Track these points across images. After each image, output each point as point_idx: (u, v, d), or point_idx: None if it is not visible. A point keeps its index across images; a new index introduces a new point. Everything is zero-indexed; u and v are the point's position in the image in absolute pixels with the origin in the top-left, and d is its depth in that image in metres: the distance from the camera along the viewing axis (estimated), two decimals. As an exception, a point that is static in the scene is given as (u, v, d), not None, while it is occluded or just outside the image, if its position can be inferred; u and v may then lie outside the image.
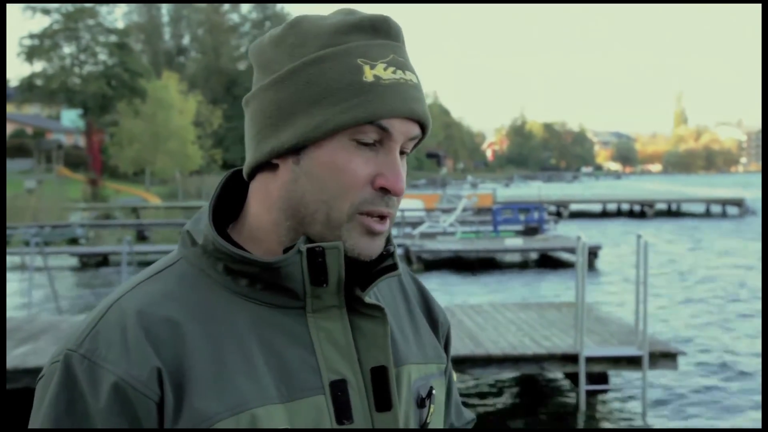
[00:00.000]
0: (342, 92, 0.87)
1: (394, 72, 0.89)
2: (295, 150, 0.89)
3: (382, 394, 0.91)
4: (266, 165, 0.92)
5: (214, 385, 0.85)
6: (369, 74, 0.88)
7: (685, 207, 39.67)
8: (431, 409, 0.98)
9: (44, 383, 0.87)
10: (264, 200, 0.93)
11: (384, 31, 0.91)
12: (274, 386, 0.87)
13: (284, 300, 0.90)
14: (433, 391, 0.99)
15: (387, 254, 0.94)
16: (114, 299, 0.90)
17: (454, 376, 1.15)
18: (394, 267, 0.94)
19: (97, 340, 0.86)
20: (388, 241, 0.95)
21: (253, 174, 0.94)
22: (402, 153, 0.92)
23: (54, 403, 0.85)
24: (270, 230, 0.92)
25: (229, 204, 0.98)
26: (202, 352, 0.86)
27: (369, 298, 0.93)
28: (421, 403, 0.97)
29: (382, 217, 0.91)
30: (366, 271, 0.94)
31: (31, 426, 0.87)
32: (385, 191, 0.89)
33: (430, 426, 0.98)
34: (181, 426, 0.84)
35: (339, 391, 0.89)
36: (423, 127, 0.92)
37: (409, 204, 25.83)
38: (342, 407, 0.89)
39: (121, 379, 0.83)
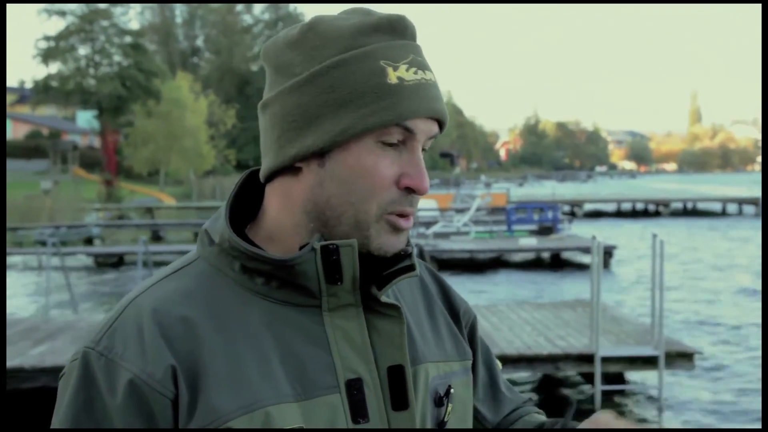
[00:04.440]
0: (368, 95, 0.88)
1: (415, 72, 0.90)
2: (320, 153, 0.89)
3: (398, 394, 0.91)
4: (288, 168, 0.92)
5: (228, 383, 0.85)
6: (393, 76, 0.89)
7: (701, 206, 39.42)
8: (449, 408, 0.97)
9: (65, 380, 0.89)
10: (285, 203, 0.93)
11: (401, 31, 0.91)
12: (289, 385, 0.87)
13: (300, 298, 0.90)
14: (452, 390, 0.98)
15: (405, 255, 0.95)
16: (132, 297, 0.91)
17: (498, 364, 1.15)
18: (411, 268, 0.94)
19: (114, 338, 0.87)
20: (407, 242, 0.96)
21: (271, 177, 0.94)
22: (423, 151, 0.94)
23: (73, 399, 0.86)
24: (291, 232, 0.92)
25: (246, 204, 0.98)
26: (216, 351, 0.86)
27: (386, 297, 0.93)
28: (439, 401, 0.97)
29: (405, 216, 0.92)
30: (382, 269, 0.94)
31: (53, 422, 0.89)
32: (409, 191, 0.91)
33: (449, 425, 0.97)
34: (195, 423, 0.84)
35: (355, 389, 0.89)
36: (441, 125, 0.94)
37: (423, 204, 25.77)
38: (357, 406, 0.88)
39: (136, 376, 0.84)
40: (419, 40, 0.95)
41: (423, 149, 0.94)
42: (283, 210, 0.93)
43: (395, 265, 0.95)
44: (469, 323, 1.10)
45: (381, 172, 0.89)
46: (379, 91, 0.88)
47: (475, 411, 1.08)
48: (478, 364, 1.11)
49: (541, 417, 1.14)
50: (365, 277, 0.92)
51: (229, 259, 0.91)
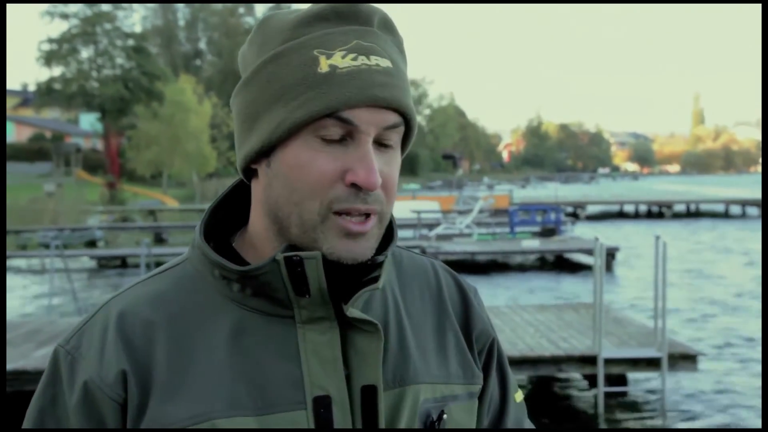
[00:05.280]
0: (297, 87, 0.82)
1: (354, 59, 0.82)
2: (265, 153, 0.85)
3: (371, 415, 0.86)
4: (250, 171, 0.89)
5: (180, 392, 0.83)
6: (324, 65, 0.82)
7: (704, 208, 39.31)
8: None
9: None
10: (255, 207, 0.91)
11: (350, 17, 0.84)
12: (249, 397, 0.83)
13: (274, 308, 0.86)
14: (444, 416, 0.91)
15: (374, 264, 0.87)
16: (109, 299, 0.91)
17: (516, 396, 1.05)
18: (376, 279, 0.87)
19: (83, 338, 0.88)
20: (384, 249, 0.89)
21: (249, 180, 0.92)
22: (386, 146, 0.85)
23: (41, 394, 0.89)
24: (264, 237, 0.89)
25: (243, 208, 0.96)
26: (173, 358, 0.85)
27: (354, 310, 0.86)
28: (431, 426, 0.90)
29: (366, 216, 0.84)
30: (355, 282, 0.88)
31: (26, 416, 0.91)
32: (358, 188, 0.83)
33: None
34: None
35: (322, 407, 0.84)
36: (403, 115, 0.85)
37: (425, 206, 25.82)
38: (323, 425, 0.84)
39: (91, 379, 0.84)
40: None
41: (387, 144, 0.85)
42: (256, 214, 0.91)
43: (367, 275, 0.88)
44: (486, 347, 1.01)
45: (319, 168, 0.82)
46: (307, 81, 0.82)
47: None
48: (489, 390, 1.01)
49: None
50: (341, 289, 0.87)
51: (210, 264, 0.88)
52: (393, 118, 0.84)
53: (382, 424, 0.86)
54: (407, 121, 0.87)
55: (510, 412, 1.02)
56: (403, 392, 0.89)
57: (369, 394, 0.86)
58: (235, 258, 0.90)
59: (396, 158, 0.87)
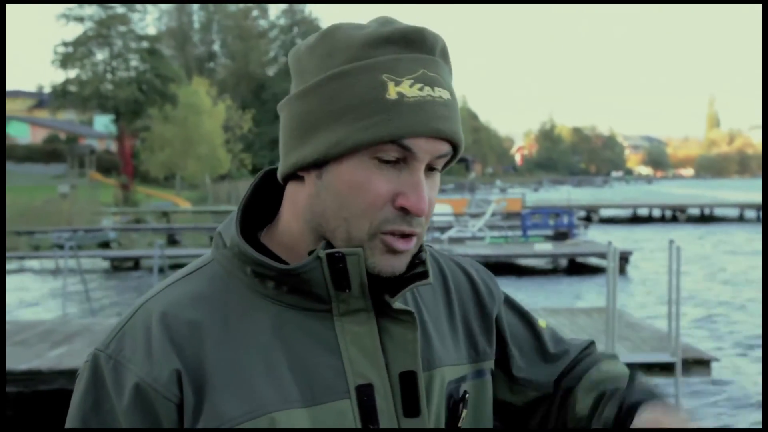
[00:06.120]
0: (364, 109, 0.85)
1: (420, 89, 0.86)
2: (318, 165, 0.88)
3: (410, 400, 0.90)
4: (294, 175, 0.92)
5: (233, 388, 0.85)
6: (393, 91, 0.85)
7: (719, 212, 39.06)
8: (464, 413, 0.96)
9: (77, 383, 0.90)
10: (292, 209, 0.93)
11: (417, 44, 0.88)
12: (297, 390, 0.86)
13: (311, 303, 0.90)
14: (467, 395, 0.97)
15: (418, 261, 0.93)
16: (143, 301, 0.92)
17: (542, 323, 1.15)
18: (425, 275, 0.92)
19: (124, 341, 0.88)
20: (421, 248, 0.94)
21: (285, 180, 0.94)
22: (432, 169, 0.90)
23: (82, 401, 0.88)
24: (298, 238, 0.92)
25: (265, 205, 0.98)
26: (223, 355, 0.86)
27: (399, 302, 0.92)
28: (454, 406, 0.96)
29: (405, 236, 0.88)
30: (395, 275, 0.92)
31: (66, 423, 0.90)
32: (406, 211, 0.87)
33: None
34: (200, 428, 0.84)
35: (365, 395, 0.88)
36: (454, 145, 0.90)
37: (438, 209, 25.76)
38: (368, 412, 0.88)
39: (142, 380, 0.85)
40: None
41: (433, 168, 0.90)
42: (292, 216, 0.93)
43: (408, 270, 0.92)
44: (503, 307, 1.11)
45: (374, 189, 0.86)
46: (375, 105, 0.85)
47: (527, 382, 1.08)
48: (519, 334, 1.10)
49: (596, 378, 1.06)
50: (378, 282, 0.90)
51: (241, 263, 0.91)
52: (446, 148, 0.89)
53: (423, 408, 0.91)
54: (455, 150, 0.92)
55: (545, 336, 1.12)
56: (432, 376, 0.94)
57: (407, 380, 0.90)
58: (270, 256, 0.93)
59: (437, 183, 0.92)
